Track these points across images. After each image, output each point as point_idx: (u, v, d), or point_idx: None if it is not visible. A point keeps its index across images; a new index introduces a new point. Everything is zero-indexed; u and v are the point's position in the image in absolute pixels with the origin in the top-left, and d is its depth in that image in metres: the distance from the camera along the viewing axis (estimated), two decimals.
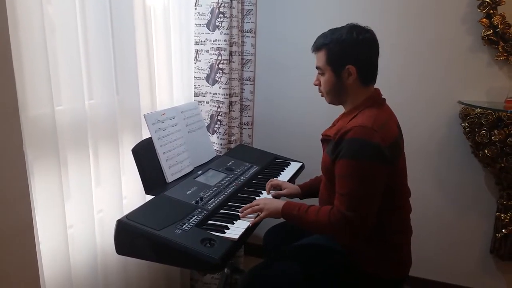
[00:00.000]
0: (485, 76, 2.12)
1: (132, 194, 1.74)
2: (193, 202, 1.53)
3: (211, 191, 1.64)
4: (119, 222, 1.35)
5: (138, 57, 1.70)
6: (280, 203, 1.46)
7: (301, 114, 2.47)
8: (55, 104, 1.32)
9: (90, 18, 1.47)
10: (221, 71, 2.11)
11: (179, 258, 1.29)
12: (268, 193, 1.71)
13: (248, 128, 2.48)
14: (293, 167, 2.05)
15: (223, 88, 2.12)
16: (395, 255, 1.45)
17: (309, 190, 1.75)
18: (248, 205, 1.51)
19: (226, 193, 1.65)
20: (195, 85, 2.19)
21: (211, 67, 2.12)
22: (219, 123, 2.16)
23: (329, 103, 1.51)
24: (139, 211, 1.43)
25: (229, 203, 1.59)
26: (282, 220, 1.54)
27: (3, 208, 1.03)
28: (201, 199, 1.55)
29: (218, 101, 2.14)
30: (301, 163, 2.11)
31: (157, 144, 1.68)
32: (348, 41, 1.37)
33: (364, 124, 1.31)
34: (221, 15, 2.05)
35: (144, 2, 1.75)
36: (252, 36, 2.38)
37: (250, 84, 2.44)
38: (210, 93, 2.15)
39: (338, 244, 1.49)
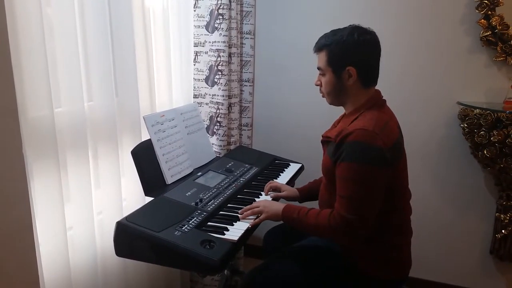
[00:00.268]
0: (484, 77, 2.12)
1: (132, 196, 1.74)
2: (193, 203, 1.53)
3: (210, 193, 1.64)
4: (119, 224, 1.35)
5: (137, 59, 1.70)
6: (280, 206, 1.45)
7: (300, 115, 2.48)
8: (54, 106, 1.32)
9: (89, 20, 1.47)
10: (220, 73, 2.11)
11: (179, 260, 1.29)
12: (267, 195, 1.71)
13: (248, 130, 2.48)
14: (292, 169, 2.05)
15: (222, 90, 2.13)
16: (395, 256, 1.45)
17: (308, 193, 1.75)
18: (248, 207, 1.51)
19: (225, 195, 1.65)
20: (194, 87, 2.19)
21: (210, 68, 2.12)
22: (218, 124, 2.16)
23: (330, 104, 1.51)
24: (138, 213, 1.43)
25: (228, 205, 1.59)
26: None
27: (3, 210, 1.02)
28: (201, 200, 1.55)
29: (217, 103, 2.14)
30: (301, 164, 2.11)
31: (156, 146, 1.68)
32: (349, 42, 1.37)
33: (365, 127, 1.31)
34: (220, 17, 2.05)
35: (143, 4, 1.75)
36: (251, 38, 2.38)
37: (250, 85, 2.44)
38: (210, 94, 2.15)
39: (338, 245, 1.49)
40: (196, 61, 2.15)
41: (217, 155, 2.14)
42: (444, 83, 2.20)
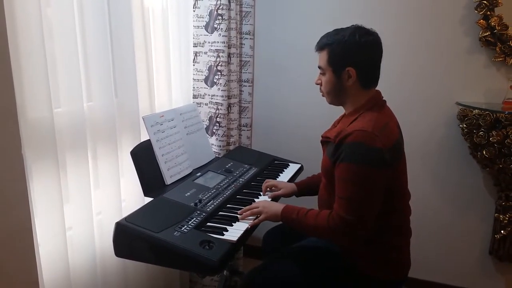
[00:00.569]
0: (483, 78, 2.13)
1: (131, 196, 1.74)
2: (192, 204, 1.53)
3: (210, 193, 1.64)
4: (118, 225, 1.35)
5: (137, 59, 1.70)
6: (279, 206, 1.45)
7: (300, 115, 2.48)
8: (54, 107, 1.32)
9: (88, 20, 1.47)
10: (219, 73, 2.11)
11: (178, 261, 1.29)
12: (264, 194, 1.71)
13: (247, 130, 2.48)
14: (292, 169, 2.05)
15: (221, 90, 2.13)
16: (394, 257, 1.45)
17: (306, 189, 1.75)
18: (247, 207, 1.51)
19: (225, 195, 1.65)
20: (193, 87, 2.19)
21: (209, 69, 2.12)
22: (218, 125, 2.16)
23: (329, 103, 1.51)
24: (138, 214, 1.43)
25: (228, 205, 1.59)
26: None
27: (3, 211, 1.03)
28: (200, 201, 1.55)
29: (216, 103, 2.14)
30: (300, 165, 2.11)
31: (155, 146, 1.69)
32: (350, 43, 1.37)
33: (365, 128, 1.31)
34: (220, 17, 2.06)
35: (143, 4, 1.75)
36: (250, 38, 2.38)
37: (249, 85, 2.44)
38: (209, 95, 2.16)
39: (337, 246, 1.49)
40: (195, 62, 2.15)
41: (217, 156, 2.14)
42: (443, 84, 2.20)
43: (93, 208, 1.54)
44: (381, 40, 1.42)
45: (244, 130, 2.47)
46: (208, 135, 2.16)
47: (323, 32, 1.45)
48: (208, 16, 2.07)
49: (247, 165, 1.98)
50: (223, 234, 1.36)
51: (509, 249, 2.17)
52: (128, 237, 1.34)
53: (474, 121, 2.01)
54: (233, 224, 1.44)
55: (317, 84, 1.50)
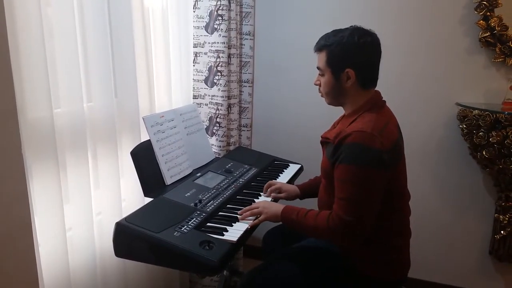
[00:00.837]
0: (482, 78, 2.13)
1: (131, 197, 1.74)
2: (192, 204, 1.53)
3: (210, 193, 1.64)
4: (118, 225, 1.35)
5: (137, 60, 1.70)
6: (279, 207, 1.45)
7: (300, 116, 2.48)
8: (54, 107, 1.32)
9: (88, 20, 1.47)
10: (219, 74, 2.11)
11: (178, 261, 1.29)
12: (265, 193, 1.71)
13: (247, 130, 2.48)
14: (292, 169, 2.05)
15: (221, 90, 2.13)
16: (394, 257, 1.45)
17: (309, 191, 1.75)
18: (247, 207, 1.51)
19: (225, 195, 1.65)
20: (193, 88, 2.19)
21: (209, 69, 2.12)
22: (218, 125, 2.16)
23: (328, 104, 1.51)
24: (137, 214, 1.43)
25: (228, 205, 1.59)
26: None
27: (2, 211, 1.03)
28: (200, 201, 1.55)
29: (216, 103, 2.15)
30: (300, 165, 2.12)
31: (156, 147, 1.69)
32: (349, 44, 1.37)
33: (364, 129, 1.31)
34: (220, 18, 2.06)
35: (143, 5, 1.75)
36: (250, 39, 2.38)
37: (249, 86, 2.44)
38: (209, 95, 2.16)
39: (337, 247, 1.49)
40: (195, 62, 2.16)
41: (217, 156, 2.14)
42: (443, 84, 2.20)
43: (93, 208, 1.54)
44: (381, 41, 1.42)
45: (244, 130, 2.47)
46: (208, 136, 2.16)
47: (323, 32, 1.45)
48: (208, 17, 2.07)
49: (247, 166, 1.98)
50: (223, 235, 1.36)
51: (509, 249, 2.17)
52: (128, 237, 1.34)
53: (474, 121, 2.01)
54: (233, 224, 1.44)
55: (316, 85, 1.50)
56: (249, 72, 2.43)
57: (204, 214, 1.46)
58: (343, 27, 1.43)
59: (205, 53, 2.12)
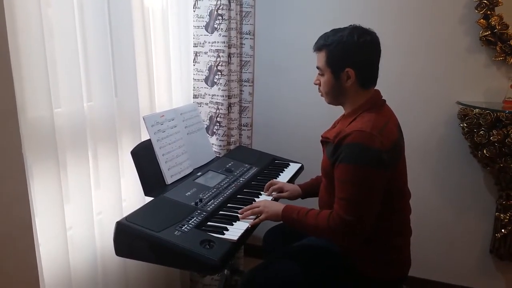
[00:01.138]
0: (483, 77, 2.12)
1: (132, 196, 1.74)
2: (193, 203, 1.53)
3: (210, 193, 1.64)
4: (119, 224, 1.35)
5: (137, 59, 1.70)
6: (280, 206, 1.45)
7: (300, 115, 2.48)
8: (54, 106, 1.32)
9: (88, 20, 1.47)
10: (220, 73, 2.11)
11: (179, 260, 1.29)
12: (266, 192, 1.71)
13: (247, 130, 2.48)
14: (292, 168, 2.05)
15: (222, 90, 2.13)
16: (394, 256, 1.45)
17: (310, 190, 1.75)
18: (248, 207, 1.51)
19: (225, 195, 1.65)
20: (194, 87, 2.19)
21: (209, 69, 2.12)
22: (218, 124, 2.17)
23: (328, 103, 1.51)
24: (138, 213, 1.43)
25: (228, 205, 1.59)
26: None
27: (3, 211, 1.03)
28: (201, 200, 1.56)
29: (217, 103, 2.15)
30: (300, 164, 2.12)
31: (156, 146, 1.69)
32: (349, 43, 1.36)
33: (363, 128, 1.30)
34: (220, 17, 2.06)
35: (143, 4, 1.75)
36: (250, 38, 2.38)
37: (249, 85, 2.44)
38: (209, 94, 2.16)
39: (337, 246, 1.49)
40: (195, 62, 2.16)
41: (217, 155, 2.14)
42: (443, 83, 2.20)
43: (94, 207, 1.54)
44: (381, 40, 1.41)
45: (245, 129, 2.47)
46: (208, 135, 2.16)
47: (323, 32, 1.45)
48: (208, 16, 2.07)
49: (248, 165, 1.98)
50: (223, 234, 1.36)
51: (509, 248, 2.17)
52: (129, 237, 1.34)
53: (475, 120, 2.01)
54: (233, 223, 1.44)
55: (316, 84, 1.50)
56: (249, 72, 2.43)
57: (204, 213, 1.47)
58: (343, 26, 1.43)
59: (205, 53, 2.12)
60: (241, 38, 2.35)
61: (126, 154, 1.66)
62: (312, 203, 1.65)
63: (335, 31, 1.41)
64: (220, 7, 2.05)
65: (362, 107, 1.41)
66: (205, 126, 2.15)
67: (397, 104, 1.58)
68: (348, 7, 2.27)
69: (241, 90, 2.42)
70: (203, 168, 1.88)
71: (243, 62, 2.41)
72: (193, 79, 2.19)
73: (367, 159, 1.28)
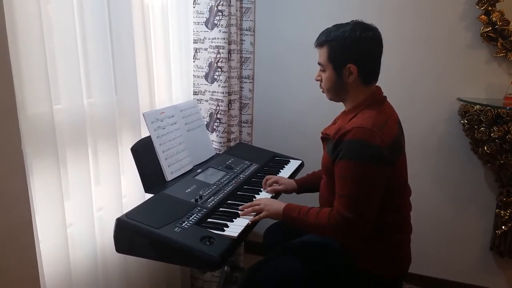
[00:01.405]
0: (484, 73, 2.12)
1: (132, 193, 1.74)
2: (193, 200, 1.53)
3: (210, 189, 1.64)
4: (119, 221, 1.35)
5: (137, 56, 1.69)
6: (280, 204, 1.45)
7: (300, 112, 2.47)
8: (54, 103, 1.32)
9: (88, 16, 1.47)
10: (220, 70, 2.11)
11: (179, 256, 1.29)
12: (264, 189, 1.71)
13: (248, 126, 2.48)
14: (292, 165, 2.05)
15: (222, 87, 2.12)
16: (395, 253, 1.45)
17: (306, 186, 1.75)
18: (248, 204, 1.51)
19: (225, 191, 1.65)
20: (194, 84, 2.19)
21: (210, 65, 2.12)
22: (218, 121, 2.16)
23: (330, 100, 1.51)
24: (138, 210, 1.43)
25: (228, 201, 1.59)
26: None
27: (3, 207, 1.03)
28: (201, 197, 1.56)
29: (217, 99, 2.14)
30: (301, 161, 2.11)
31: (156, 143, 1.68)
32: (351, 39, 1.36)
33: (364, 125, 1.30)
34: (220, 13, 2.05)
35: (142, 1, 1.74)
36: (251, 34, 2.38)
37: (249, 82, 2.44)
38: (209, 91, 2.15)
39: (338, 242, 1.49)
40: (195, 58, 2.15)
41: (217, 152, 2.14)
42: (444, 79, 2.19)
43: (94, 204, 1.54)
44: (382, 36, 1.41)
45: (245, 126, 2.47)
46: (208, 132, 2.16)
47: (324, 27, 1.44)
48: (208, 12, 2.06)
49: (248, 162, 1.98)
50: (223, 230, 1.36)
51: (510, 244, 2.17)
52: (129, 233, 1.34)
53: (475, 116, 2.00)
54: (233, 220, 1.44)
55: (317, 80, 1.49)
56: (249, 68, 2.43)
57: (204, 210, 1.47)
58: (343, 22, 1.42)
59: (205, 49, 2.11)
60: (241, 34, 2.35)
61: (126, 151, 1.66)
62: (312, 199, 1.65)
63: (337, 27, 1.40)
64: (220, 3, 2.04)
65: (363, 103, 1.41)
66: (205, 123, 2.15)
67: (397, 101, 1.58)
68: (348, 3, 2.27)
69: (241, 87, 2.41)
70: (203, 165, 1.88)
71: (243, 59, 2.40)
72: (193, 75, 2.18)
73: (367, 155, 1.28)
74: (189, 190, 1.61)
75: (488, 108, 1.96)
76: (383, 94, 1.47)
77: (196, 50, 2.14)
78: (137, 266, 1.81)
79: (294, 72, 2.44)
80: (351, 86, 1.41)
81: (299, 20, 2.38)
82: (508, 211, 2.13)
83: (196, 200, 1.53)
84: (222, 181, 1.74)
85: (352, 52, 1.37)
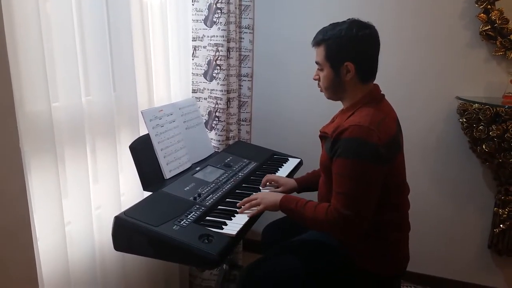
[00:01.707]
0: (483, 72, 2.12)
1: (130, 191, 1.74)
2: (191, 198, 1.53)
3: (209, 187, 1.64)
4: (117, 219, 1.35)
5: (135, 54, 1.69)
6: (278, 196, 1.46)
7: (299, 110, 2.47)
8: (52, 101, 1.32)
9: (86, 14, 1.46)
10: (218, 67, 2.10)
11: (177, 254, 1.29)
12: (264, 188, 1.72)
13: (246, 125, 2.48)
14: (291, 163, 2.05)
15: (221, 85, 2.12)
16: (393, 251, 1.45)
17: (306, 185, 1.75)
18: (245, 199, 1.51)
19: (224, 189, 1.65)
20: (192, 82, 2.18)
21: (208, 63, 2.11)
22: (217, 119, 2.16)
23: (328, 98, 1.51)
24: (137, 208, 1.43)
25: (227, 199, 1.59)
26: (281, 215, 1.54)
27: (1, 206, 1.02)
28: (199, 195, 1.55)
29: (216, 98, 2.14)
30: (299, 159, 2.11)
31: (154, 141, 1.68)
32: (348, 37, 1.36)
33: (361, 123, 1.30)
34: (219, 11, 2.04)
35: None
36: (250, 32, 2.37)
37: (248, 80, 2.44)
38: (208, 89, 2.15)
39: (336, 240, 1.49)
40: (194, 56, 2.15)
41: (216, 150, 2.13)
42: (443, 78, 2.19)
43: (92, 202, 1.54)
44: (380, 35, 1.41)
45: (244, 124, 2.47)
46: (207, 130, 2.15)
47: (323, 26, 1.44)
48: (207, 10, 2.06)
49: (247, 160, 1.98)
50: (222, 228, 1.36)
51: (508, 243, 2.17)
52: (127, 231, 1.34)
53: (474, 115, 2.00)
54: (232, 218, 1.44)
55: (315, 79, 1.50)
56: (248, 66, 2.42)
57: (203, 208, 1.46)
58: (342, 20, 1.42)
59: (204, 47, 2.11)
60: (240, 32, 2.34)
61: (124, 149, 1.66)
62: (311, 198, 1.65)
63: (333, 25, 1.40)
64: (219, 1, 2.03)
65: (360, 101, 1.41)
66: (204, 121, 2.15)
67: (396, 99, 1.58)
68: (348, 1, 2.26)
69: (240, 85, 2.41)
70: (202, 163, 1.88)
71: (242, 57, 2.40)
72: (192, 73, 2.18)
73: (365, 153, 1.28)
74: (187, 188, 1.61)
75: (486, 106, 1.96)
76: (381, 92, 1.47)
77: (195, 48, 2.14)
78: (136, 264, 1.80)
79: (293, 70, 2.44)
80: (348, 84, 1.41)
81: (298, 18, 2.37)
82: (506, 210, 2.13)
83: (195, 198, 1.53)
84: (220, 179, 1.74)
85: (349, 51, 1.37)
